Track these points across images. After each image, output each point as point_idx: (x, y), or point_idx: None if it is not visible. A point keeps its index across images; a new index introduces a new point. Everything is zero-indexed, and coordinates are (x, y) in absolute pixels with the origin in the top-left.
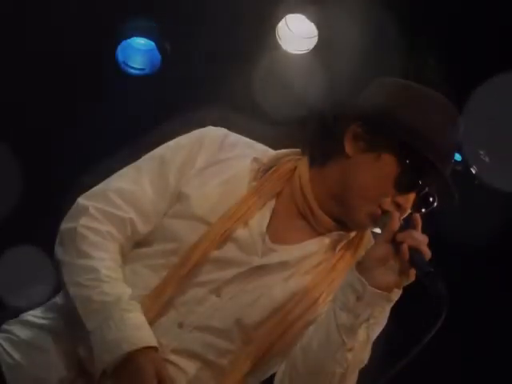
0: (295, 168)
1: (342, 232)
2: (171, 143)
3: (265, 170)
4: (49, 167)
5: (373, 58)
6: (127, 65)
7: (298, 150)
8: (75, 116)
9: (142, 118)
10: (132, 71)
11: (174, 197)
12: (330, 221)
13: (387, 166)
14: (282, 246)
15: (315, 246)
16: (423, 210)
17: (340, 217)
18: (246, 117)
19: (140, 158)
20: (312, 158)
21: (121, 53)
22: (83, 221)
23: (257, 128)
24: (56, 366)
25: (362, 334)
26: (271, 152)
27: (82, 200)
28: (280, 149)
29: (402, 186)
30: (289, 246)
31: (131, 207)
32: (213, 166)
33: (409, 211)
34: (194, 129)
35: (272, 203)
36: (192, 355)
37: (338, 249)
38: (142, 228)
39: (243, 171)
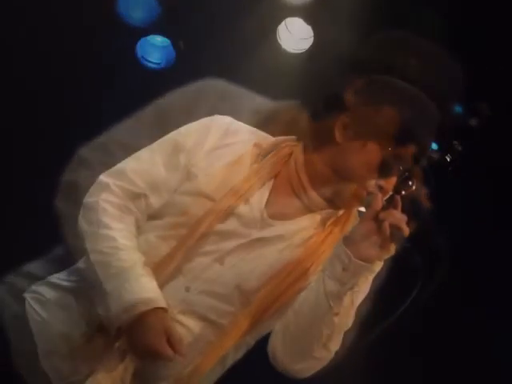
0: (291, 153)
1: (331, 210)
2: (182, 129)
3: (265, 154)
4: (62, 159)
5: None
6: (145, 59)
7: (293, 137)
8: (88, 105)
9: None
10: (150, 65)
11: (184, 175)
12: (321, 200)
13: (372, 153)
14: (279, 221)
15: (307, 222)
16: (403, 192)
17: (330, 197)
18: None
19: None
20: (306, 144)
21: (140, 48)
22: (104, 195)
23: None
24: (78, 323)
25: (347, 300)
26: (270, 138)
27: (103, 177)
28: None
29: (384, 172)
30: (284, 221)
31: (146, 184)
32: (219, 149)
33: (390, 193)
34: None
35: (270, 183)
36: (197, 316)
37: (327, 225)
38: (155, 202)
39: (246, 155)
